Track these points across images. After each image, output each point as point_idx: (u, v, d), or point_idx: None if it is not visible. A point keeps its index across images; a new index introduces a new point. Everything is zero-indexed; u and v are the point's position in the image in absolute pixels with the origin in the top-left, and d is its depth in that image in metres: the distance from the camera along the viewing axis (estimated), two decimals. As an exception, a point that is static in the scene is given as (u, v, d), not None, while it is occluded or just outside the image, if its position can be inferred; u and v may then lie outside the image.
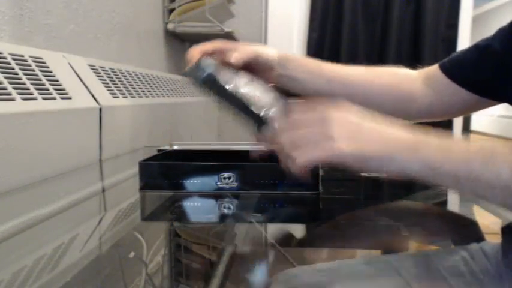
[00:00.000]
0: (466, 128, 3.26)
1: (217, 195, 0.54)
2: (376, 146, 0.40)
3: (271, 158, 0.45)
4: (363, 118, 0.42)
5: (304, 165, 0.41)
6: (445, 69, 0.66)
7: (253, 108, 0.45)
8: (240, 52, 0.59)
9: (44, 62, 0.72)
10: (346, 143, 0.40)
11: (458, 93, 0.65)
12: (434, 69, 0.68)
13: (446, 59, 0.68)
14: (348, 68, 0.73)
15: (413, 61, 2.10)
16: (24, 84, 0.63)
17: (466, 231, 0.46)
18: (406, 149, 0.40)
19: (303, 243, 0.43)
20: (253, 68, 0.62)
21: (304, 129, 0.42)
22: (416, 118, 0.71)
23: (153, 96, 1.14)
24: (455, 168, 0.38)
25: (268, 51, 0.65)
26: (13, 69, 0.63)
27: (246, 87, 0.48)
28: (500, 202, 0.37)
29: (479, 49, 0.63)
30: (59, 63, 0.78)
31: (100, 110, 0.81)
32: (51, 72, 0.73)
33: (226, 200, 0.54)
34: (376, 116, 0.42)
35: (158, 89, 1.22)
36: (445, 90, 0.66)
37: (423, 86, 0.69)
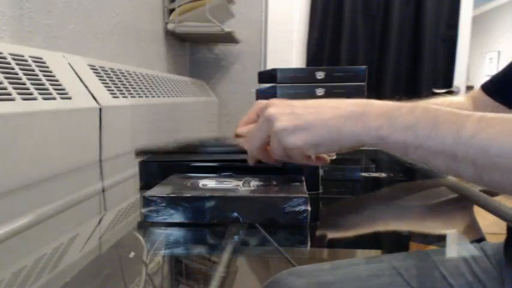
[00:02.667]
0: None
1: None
2: (322, 126, 0.41)
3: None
4: (302, 101, 0.44)
5: (254, 151, 0.45)
6: (488, 91, 0.67)
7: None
8: None
9: (44, 62, 0.72)
10: (286, 118, 0.42)
11: (499, 110, 0.66)
12: (477, 92, 0.70)
13: (488, 80, 0.69)
14: None
15: (413, 61, 2.11)
16: (24, 84, 0.63)
17: (465, 231, 0.46)
18: (353, 123, 0.40)
19: (303, 243, 0.43)
20: None
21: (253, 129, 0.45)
22: None
23: (153, 96, 1.14)
24: (402, 136, 0.37)
25: None
26: (13, 69, 0.63)
27: None
28: (443, 168, 0.36)
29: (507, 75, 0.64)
30: (59, 63, 0.78)
31: (100, 110, 0.81)
32: (51, 72, 0.73)
33: None
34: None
35: (158, 89, 1.22)
36: (487, 107, 0.68)
37: (469, 102, 0.71)
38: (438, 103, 0.74)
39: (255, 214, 0.42)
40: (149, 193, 0.43)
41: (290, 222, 0.42)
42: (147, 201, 0.43)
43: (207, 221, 0.42)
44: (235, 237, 0.41)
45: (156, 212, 0.42)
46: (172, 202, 0.42)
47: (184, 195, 0.42)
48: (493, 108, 0.67)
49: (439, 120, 0.36)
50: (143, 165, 0.58)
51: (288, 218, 0.41)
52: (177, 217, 0.42)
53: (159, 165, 0.58)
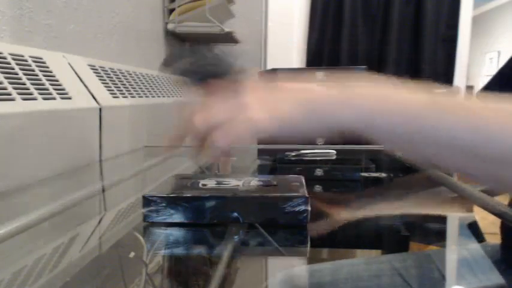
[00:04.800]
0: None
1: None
2: (295, 105, 0.34)
3: None
4: (277, 84, 0.37)
5: (227, 146, 0.35)
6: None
7: None
8: None
9: (44, 62, 0.72)
10: (263, 109, 0.34)
11: None
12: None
13: (484, 86, 0.69)
14: None
15: (414, 61, 2.10)
16: (24, 84, 0.63)
17: (465, 231, 0.46)
18: (334, 100, 0.34)
19: (303, 243, 0.43)
20: None
21: (218, 106, 0.36)
22: None
23: (153, 96, 1.14)
24: (391, 122, 0.32)
25: None
26: (13, 69, 0.63)
27: None
28: (459, 167, 0.32)
29: (503, 76, 0.64)
30: (59, 63, 0.78)
31: (100, 110, 0.81)
32: (51, 72, 0.73)
33: None
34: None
35: (158, 89, 1.22)
36: None
37: None
38: None
39: (255, 214, 0.42)
40: (149, 193, 0.43)
41: (290, 222, 0.41)
42: (147, 201, 0.42)
43: (207, 221, 0.42)
44: (235, 237, 0.40)
45: (156, 212, 0.42)
46: (173, 202, 0.42)
47: (184, 195, 0.42)
48: None
49: (447, 107, 0.31)
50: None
51: (288, 218, 0.41)
52: (177, 217, 0.42)
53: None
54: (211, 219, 0.42)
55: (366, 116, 0.32)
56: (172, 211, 0.42)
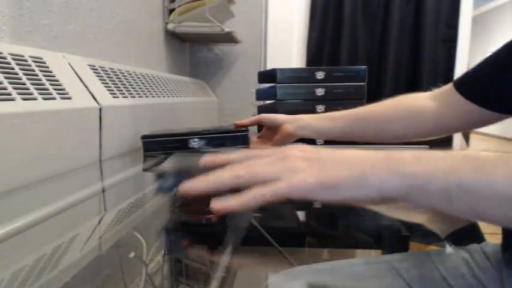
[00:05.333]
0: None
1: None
2: (343, 169, 0.35)
3: None
4: (321, 150, 0.38)
5: (269, 200, 0.35)
6: (459, 88, 0.67)
7: None
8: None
9: (44, 62, 0.72)
10: (311, 172, 0.35)
11: (474, 110, 0.65)
12: (449, 88, 0.69)
13: (460, 77, 0.69)
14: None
15: (414, 61, 2.10)
16: (24, 84, 0.63)
17: (466, 231, 0.46)
18: (380, 167, 0.34)
19: (302, 243, 0.43)
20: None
21: (265, 164, 0.37)
22: (431, 135, 0.73)
23: (153, 96, 1.14)
24: (444, 180, 0.31)
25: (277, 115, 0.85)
26: (13, 69, 0.63)
27: None
28: (501, 217, 0.30)
29: (490, 64, 0.63)
30: (59, 63, 0.78)
31: (100, 110, 0.81)
32: (51, 72, 0.73)
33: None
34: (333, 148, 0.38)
35: (158, 89, 1.22)
36: (461, 108, 0.67)
37: (433, 102, 0.71)
38: (403, 99, 0.76)
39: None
40: (162, 167, 0.47)
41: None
42: (160, 175, 0.46)
43: None
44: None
45: (168, 184, 0.46)
46: (182, 177, 0.44)
47: (194, 170, 0.44)
48: (460, 105, 0.66)
49: (484, 160, 0.31)
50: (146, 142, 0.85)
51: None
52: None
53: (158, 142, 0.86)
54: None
55: (416, 185, 0.32)
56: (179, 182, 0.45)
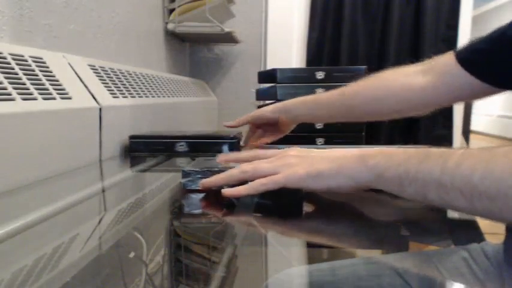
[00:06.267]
0: (466, 128, 3.26)
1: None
2: (326, 163, 0.45)
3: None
4: (313, 150, 0.49)
5: (266, 189, 0.47)
6: (461, 59, 0.66)
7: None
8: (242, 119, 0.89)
9: (44, 62, 0.72)
10: (302, 166, 0.46)
11: (473, 84, 0.65)
12: (446, 61, 0.68)
13: (461, 50, 0.67)
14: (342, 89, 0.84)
15: (413, 61, 2.10)
16: (24, 84, 0.63)
17: (466, 231, 0.46)
18: (353, 161, 0.44)
19: (302, 242, 0.43)
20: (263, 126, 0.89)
21: (267, 162, 0.49)
22: (422, 109, 0.73)
23: (153, 96, 1.14)
24: (396, 171, 0.40)
25: (262, 110, 0.88)
26: (13, 69, 0.63)
27: None
28: (438, 201, 0.38)
29: (494, 38, 0.63)
30: (59, 63, 0.78)
31: (100, 110, 0.81)
32: (51, 72, 0.73)
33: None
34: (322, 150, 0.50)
35: (158, 89, 1.22)
36: (457, 80, 0.66)
37: (424, 77, 0.71)
38: (389, 76, 0.77)
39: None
40: (187, 168, 0.56)
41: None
42: (186, 173, 0.56)
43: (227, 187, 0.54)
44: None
45: (192, 181, 0.55)
46: (205, 174, 0.55)
47: (214, 169, 0.55)
48: (457, 76, 0.66)
49: (428, 155, 0.38)
50: (133, 142, 0.87)
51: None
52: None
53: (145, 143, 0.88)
54: (232, 186, 0.53)
55: (378, 173, 0.42)
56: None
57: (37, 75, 0.68)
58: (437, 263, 0.43)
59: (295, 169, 0.46)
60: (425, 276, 0.41)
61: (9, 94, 0.59)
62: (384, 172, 0.41)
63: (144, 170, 0.80)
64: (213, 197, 0.54)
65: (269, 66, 1.87)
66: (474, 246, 0.45)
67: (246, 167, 0.49)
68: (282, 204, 0.52)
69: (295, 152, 0.50)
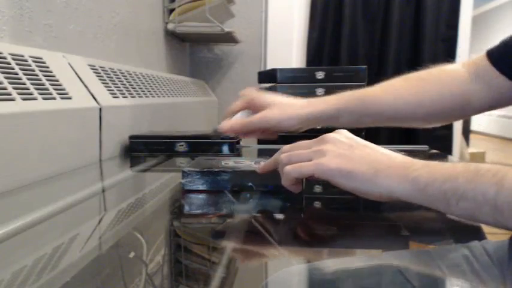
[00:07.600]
0: (466, 128, 3.26)
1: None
2: (363, 164, 0.42)
3: None
4: (357, 143, 0.45)
5: (293, 177, 0.46)
6: (494, 61, 0.63)
7: None
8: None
9: (44, 62, 0.72)
10: (334, 159, 0.43)
11: (506, 86, 0.62)
12: (482, 60, 0.65)
13: (494, 48, 0.64)
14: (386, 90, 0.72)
15: (414, 61, 2.10)
16: (24, 84, 0.63)
17: (466, 231, 0.46)
18: (394, 170, 0.41)
19: (302, 242, 0.43)
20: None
21: (302, 150, 0.47)
22: (470, 115, 0.71)
23: (153, 96, 1.14)
24: (442, 187, 0.37)
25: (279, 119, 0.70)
26: (13, 69, 0.63)
27: None
28: (491, 221, 0.36)
29: None
30: (59, 63, 0.78)
31: (100, 110, 0.81)
32: (51, 72, 0.73)
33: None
34: (370, 144, 0.46)
35: (158, 89, 1.22)
36: (495, 83, 0.64)
37: (474, 84, 0.66)
38: (427, 72, 0.70)
39: (263, 183, 0.55)
40: (187, 168, 0.56)
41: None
42: (185, 174, 0.56)
43: (228, 189, 0.56)
44: (250, 200, 0.54)
45: (192, 182, 0.56)
46: (204, 174, 0.55)
47: (213, 170, 0.55)
48: (494, 79, 0.62)
49: (479, 172, 0.35)
50: (133, 142, 0.87)
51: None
52: (207, 186, 0.56)
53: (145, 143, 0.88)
54: (232, 187, 0.56)
55: (419, 188, 0.39)
56: (203, 181, 0.56)
57: (37, 75, 0.68)
58: (438, 260, 0.43)
59: (327, 160, 0.43)
60: (427, 274, 0.41)
61: (9, 94, 0.59)
62: (427, 187, 0.38)
63: (144, 170, 0.80)
64: (213, 197, 0.54)
65: (269, 66, 1.87)
66: (475, 243, 0.45)
67: (285, 156, 0.48)
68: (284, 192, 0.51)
69: (338, 136, 0.46)
